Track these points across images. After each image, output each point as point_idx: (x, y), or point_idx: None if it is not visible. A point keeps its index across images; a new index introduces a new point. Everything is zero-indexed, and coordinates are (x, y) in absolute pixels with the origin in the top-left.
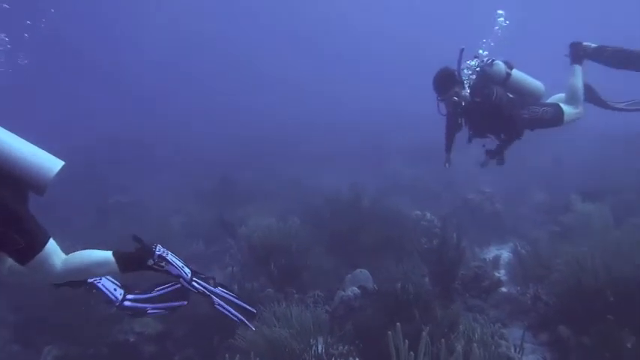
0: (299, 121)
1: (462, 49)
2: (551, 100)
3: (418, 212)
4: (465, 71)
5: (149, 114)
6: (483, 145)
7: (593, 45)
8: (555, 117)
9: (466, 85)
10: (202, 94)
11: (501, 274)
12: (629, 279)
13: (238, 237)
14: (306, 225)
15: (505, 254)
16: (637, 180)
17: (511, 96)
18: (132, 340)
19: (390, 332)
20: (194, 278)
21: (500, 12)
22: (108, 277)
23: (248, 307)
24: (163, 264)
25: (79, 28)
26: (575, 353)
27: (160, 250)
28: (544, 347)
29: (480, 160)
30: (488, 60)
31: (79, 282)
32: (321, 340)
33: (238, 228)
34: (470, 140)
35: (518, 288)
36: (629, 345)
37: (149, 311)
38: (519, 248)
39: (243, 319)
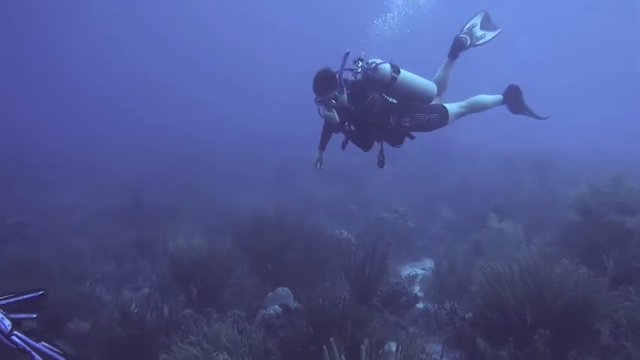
0: (206, 141)
1: (347, 53)
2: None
3: (336, 231)
4: (346, 74)
5: (49, 128)
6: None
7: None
8: (441, 121)
9: (345, 90)
10: (105, 110)
11: (417, 290)
12: (546, 292)
13: (159, 256)
14: (229, 243)
15: (419, 271)
16: (539, 198)
17: (393, 101)
18: None
19: (325, 346)
20: (14, 332)
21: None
22: None
23: None
24: None
25: None
26: None
27: None
28: None
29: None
30: (372, 64)
31: None
32: None
33: (154, 247)
34: (343, 147)
35: (435, 305)
36: None
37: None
38: (436, 265)
39: None
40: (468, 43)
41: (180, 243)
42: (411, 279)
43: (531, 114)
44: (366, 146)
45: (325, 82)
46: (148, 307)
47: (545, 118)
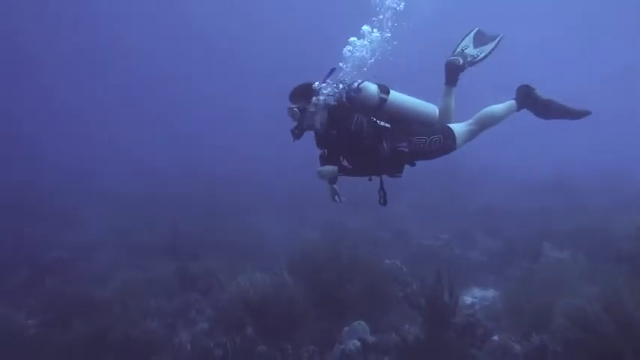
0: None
1: (333, 69)
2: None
3: (388, 261)
4: (326, 92)
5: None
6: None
7: (545, 97)
8: (446, 145)
9: (325, 110)
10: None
11: None
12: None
13: (211, 290)
14: (290, 278)
15: (470, 299)
16: (587, 225)
17: (386, 125)
18: None
19: None
20: None
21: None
22: None
23: None
24: None
25: None
26: None
27: None
28: None
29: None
30: (354, 84)
31: None
32: None
33: (202, 281)
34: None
35: (513, 337)
36: None
37: None
38: (506, 294)
39: None
40: (461, 62)
41: (248, 278)
42: (470, 309)
43: (565, 111)
44: (368, 171)
45: (298, 90)
46: (227, 343)
47: (585, 113)
